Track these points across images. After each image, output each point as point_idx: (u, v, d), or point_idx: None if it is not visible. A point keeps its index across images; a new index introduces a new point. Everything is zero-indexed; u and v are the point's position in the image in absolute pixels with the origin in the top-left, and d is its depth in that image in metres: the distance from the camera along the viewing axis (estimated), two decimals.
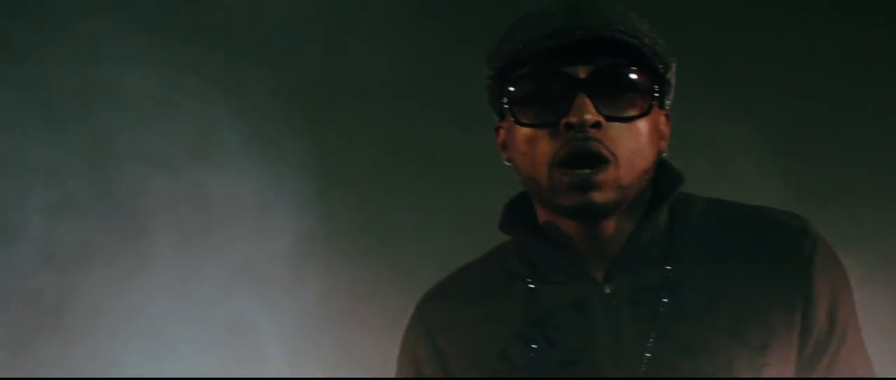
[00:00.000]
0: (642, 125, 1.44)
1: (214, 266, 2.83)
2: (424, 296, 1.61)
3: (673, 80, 1.50)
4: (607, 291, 1.47)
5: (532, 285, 1.51)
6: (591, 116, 1.40)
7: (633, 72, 1.43)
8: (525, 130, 1.44)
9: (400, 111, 2.93)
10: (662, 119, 1.50)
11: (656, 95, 1.45)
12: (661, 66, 1.46)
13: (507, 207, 1.55)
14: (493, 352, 1.50)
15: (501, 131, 1.52)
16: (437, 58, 2.90)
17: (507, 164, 1.52)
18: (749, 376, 1.43)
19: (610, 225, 1.47)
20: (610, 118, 1.41)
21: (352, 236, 2.89)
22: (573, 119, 1.40)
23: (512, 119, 1.46)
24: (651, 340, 1.45)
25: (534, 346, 1.48)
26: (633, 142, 1.43)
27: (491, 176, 1.85)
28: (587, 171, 1.41)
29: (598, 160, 1.41)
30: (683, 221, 1.52)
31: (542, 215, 1.52)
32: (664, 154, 1.51)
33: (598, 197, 1.41)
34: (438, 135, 2.91)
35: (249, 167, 2.89)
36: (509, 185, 1.56)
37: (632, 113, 1.43)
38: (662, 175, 1.52)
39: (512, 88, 1.45)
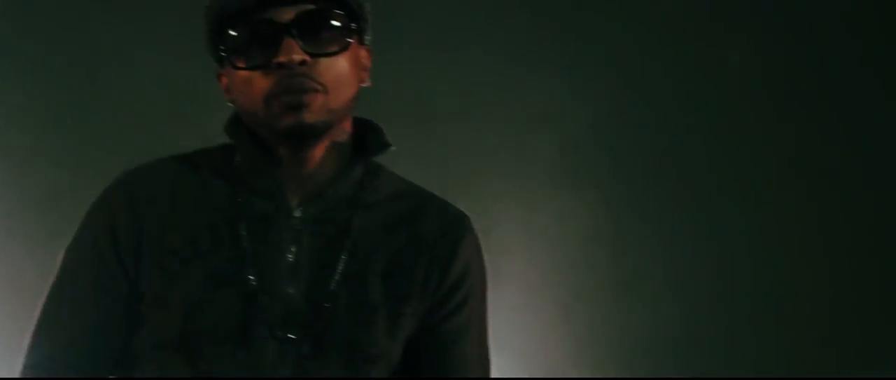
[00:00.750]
0: (344, 59, 1.63)
1: None
2: (131, 170, 1.71)
3: (369, 18, 1.69)
4: (297, 214, 1.67)
5: (233, 188, 1.68)
6: (297, 55, 1.58)
7: (331, 13, 1.63)
8: (242, 73, 1.62)
9: None
10: (364, 53, 1.70)
11: (354, 32, 1.65)
12: (356, 6, 1.66)
13: (236, 116, 1.70)
14: (186, 234, 1.64)
15: (223, 78, 1.69)
16: None
17: (231, 105, 1.69)
18: (389, 320, 1.67)
19: (315, 157, 1.66)
20: (314, 55, 1.60)
21: None
22: (282, 59, 1.58)
23: (230, 66, 1.64)
24: (320, 267, 1.65)
25: (218, 238, 1.65)
26: (337, 73, 1.62)
27: None
28: (299, 95, 1.59)
29: (308, 90, 1.59)
30: (373, 180, 1.72)
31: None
32: (365, 84, 1.69)
33: (309, 117, 1.59)
34: None
35: None
36: None
37: (333, 49, 1.62)
38: (367, 134, 1.72)
39: (229, 34, 1.63)
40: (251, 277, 1.62)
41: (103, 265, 1.65)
